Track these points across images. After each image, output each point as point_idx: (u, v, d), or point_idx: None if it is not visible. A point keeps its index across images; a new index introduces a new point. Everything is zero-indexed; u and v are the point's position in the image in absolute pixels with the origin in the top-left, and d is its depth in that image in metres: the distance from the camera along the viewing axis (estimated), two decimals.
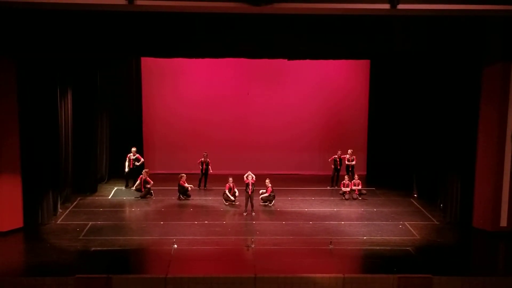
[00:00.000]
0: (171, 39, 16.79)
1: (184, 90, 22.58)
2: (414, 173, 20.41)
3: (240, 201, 18.74)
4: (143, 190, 19.77)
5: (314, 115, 22.84)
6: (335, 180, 21.17)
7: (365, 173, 22.19)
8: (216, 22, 16.18)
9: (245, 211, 18.11)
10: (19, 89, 16.15)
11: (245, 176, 18.24)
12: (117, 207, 18.92)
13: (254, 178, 18.21)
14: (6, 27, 15.54)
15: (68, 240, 15.78)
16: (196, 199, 19.69)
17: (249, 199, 18.07)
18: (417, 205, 19.29)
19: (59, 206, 18.01)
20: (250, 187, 18.05)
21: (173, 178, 20.51)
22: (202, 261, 14.73)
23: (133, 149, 20.76)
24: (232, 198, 18.94)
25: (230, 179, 19.06)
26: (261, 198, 18.91)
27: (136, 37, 16.64)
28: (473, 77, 16.76)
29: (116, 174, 21.53)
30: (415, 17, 15.63)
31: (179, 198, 19.65)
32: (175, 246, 15.26)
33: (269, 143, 22.72)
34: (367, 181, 21.65)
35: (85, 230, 16.50)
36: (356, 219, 17.97)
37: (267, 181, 18.93)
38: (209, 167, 20.71)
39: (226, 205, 18.95)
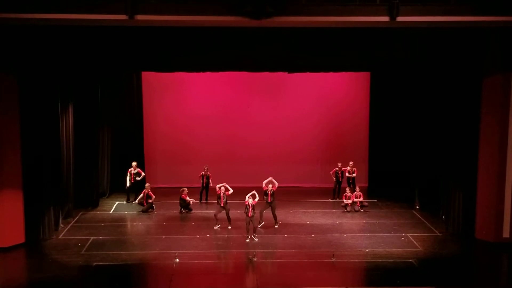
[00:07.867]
0: (172, 53, 16.95)
1: (184, 104, 22.62)
2: (416, 185, 20.37)
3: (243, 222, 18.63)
4: (145, 204, 19.75)
5: (315, 128, 22.85)
6: (336, 192, 21.14)
7: (366, 185, 22.22)
8: (216, 36, 16.30)
9: (247, 237, 16.82)
10: (20, 104, 16.18)
11: (246, 197, 16.89)
12: (118, 221, 18.89)
13: (256, 200, 17.02)
14: (7, 43, 15.64)
15: (70, 255, 15.74)
16: (198, 212, 19.66)
17: (250, 222, 16.84)
18: (419, 216, 19.24)
19: (60, 221, 17.96)
20: (250, 209, 16.74)
21: (174, 192, 20.53)
22: (204, 275, 14.67)
23: (134, 163, 20.77)
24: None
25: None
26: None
27: (137, 51, 16.83)
28: (474, 87, 16.77)
29: (118, 189, 21.52)
30: (415, 28, 15.69)
31: (180, 212, 19.62)
32: (177, 260, 15.20)
33: (270, 156, 22.68)
34: (368, 193, 21.65)
35: (87, 245, 16.46)
36: (358, 231, 17.92)
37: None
38: (210, 180, 20.71)
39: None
